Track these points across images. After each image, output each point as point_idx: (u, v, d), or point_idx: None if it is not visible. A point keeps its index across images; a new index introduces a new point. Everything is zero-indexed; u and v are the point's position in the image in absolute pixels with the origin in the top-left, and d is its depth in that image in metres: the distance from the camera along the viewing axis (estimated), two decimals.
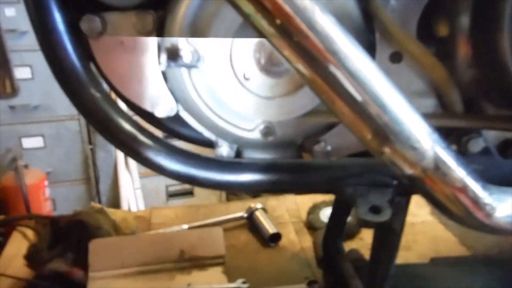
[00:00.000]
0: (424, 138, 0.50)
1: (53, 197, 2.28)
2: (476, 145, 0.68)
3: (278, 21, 0.45)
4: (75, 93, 0.64)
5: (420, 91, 0.69)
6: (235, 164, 0.68)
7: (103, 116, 0.64)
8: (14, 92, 0.77)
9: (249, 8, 0.45)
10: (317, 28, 0.46)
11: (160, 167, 0.67)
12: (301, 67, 0.48)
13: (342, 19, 0.58)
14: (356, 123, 0.50)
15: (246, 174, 0.68)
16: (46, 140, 2.32)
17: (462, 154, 0.68)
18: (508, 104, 0.65)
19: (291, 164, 0.68)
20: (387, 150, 0.50)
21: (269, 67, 0.58)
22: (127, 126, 0.65)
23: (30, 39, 2.05)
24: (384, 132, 0.49)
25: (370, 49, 0.65)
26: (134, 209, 2.23)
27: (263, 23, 0.46)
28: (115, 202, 2.39)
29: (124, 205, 2.29)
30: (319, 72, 0.48)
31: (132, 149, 0.66)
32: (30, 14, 0.60)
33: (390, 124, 0.49)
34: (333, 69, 0.47)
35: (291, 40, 0.46)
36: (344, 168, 0.69)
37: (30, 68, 2.13)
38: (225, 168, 0.68)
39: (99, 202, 2.47)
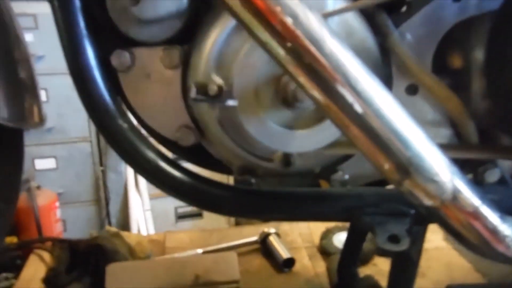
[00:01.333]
0: (443, 170, 0.51)
1: (64, 218, 2.30)
2: (492, 175, 0.69)
3: (289, 44, 0.46)
4: (103, 123, 0.67)
5: (436, 122, 0.71)
6: (254, 192, 0.70)
7: (129, 145, 0.67)
8: (41, 121, 0.79)
9: (265, 36, 0.47)
10: (330, 55, 0.48)
11: (182, 194, 0.69)
12: (316, 94, 0.49)
13: (361, 54, 0.60)
14: (374, 154, 0.51)
15: (264, 202, 0.70)
16: (58, 162, 2.36)
17: (478, 184, 0.70)
18: None
19: (309, 193, 0.70)
20: (406, 182, 0.52)
21: (292, 102, 0.60)
22: (151, 154, 0.67)
23: (47, 63, 2.12)
24: (404, 164, 0.50)
25: (387, 81, 0.68)
26: (143, 230, 2.24)
27: (278, 50, 0.47)
28: (125, 224, 2.40)
29: (134, 226, 2.29)
30: (333, 99, 0.49)
31: (155, 177, 0.68)
32: (65, 50, 0.63)
33: (410, 157, 0.50)
34: (348, 98, 0.48)
35: (304, 65, 0.47)
36: (362, 197, 0.70)
37: (46, 91, 2.19)
38: (244, 196, 0.70)
39: (109, 223, 2.48)
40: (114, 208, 2.50)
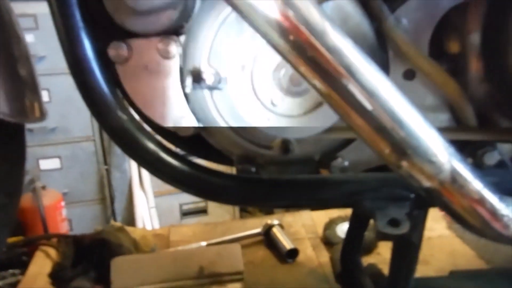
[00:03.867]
0: (440, 151, 0.52)
1: (69, 217, 2.31)
2: (491, 158, 0.69)
3: (291, 37, 0.47)
4: (103, 115, 0.67)
5: (434, 106, 0.71)
6: (255, 181, 0.70)
7: (129, 136, 0.67)
8: (42, 116, 0.80)
9: (265, 27, 0.48)
10: (330, 44, 0.48)
11: (183, 184, 0.70)
12: (317, 83, 0.49)
13: (357, 39, 0.60)
14: (373, 138, 0.52)
15: (266, 190, 0.70)
16: (63, 162, 2.37)
17: (478, 167, 0.70)
18: None
19: (310, 180, 0.70)
20: (404, 164, 0.52)
21: (289, 87, 0.61)
22: (151, 146, 0.68)
23: (48, 64, 2.13)
24: (402, 146, 0.51)
25: (384, 67, 0.68)
26: (149, 227, 2.25)
27: (279, 41, 0.48)
28: (130, 221, 2.42)
29: (139, 224, 2.31)
30: (334, 88, 0.49)
31: (157, 168, 0.69)
32: (62, 43, 0.64)
33: (407, 139, 0.50)
34: (348, 84, 0.49)
35: (306, 56, 0.48)
36: (362, 182, 0.71)
37: (48, 92, 2.20)
38: (245, 184, 0.71)
39: (114, 221, 2.49)
40: (119, 206, 2.52)
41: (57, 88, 2.20)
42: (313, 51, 0.48)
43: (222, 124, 0.67)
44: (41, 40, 2.11)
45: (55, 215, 2.15)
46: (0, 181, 0.75)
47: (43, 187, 2.14)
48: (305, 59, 0.48)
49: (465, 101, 0.68)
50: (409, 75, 0.69)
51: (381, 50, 0.67)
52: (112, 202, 2.48)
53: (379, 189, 0.69)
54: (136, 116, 0.71)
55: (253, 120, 0.63)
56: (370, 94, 0.50)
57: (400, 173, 0.53)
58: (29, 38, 2.20)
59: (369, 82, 0.50)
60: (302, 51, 0.48)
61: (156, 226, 2.33)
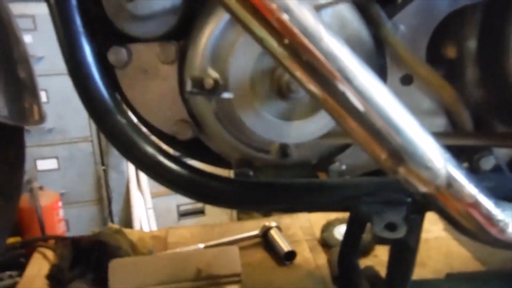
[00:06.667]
0: (436, 157, 0.52)
1: (66, 218, 2.31)
2: (487, 163, 0.70)
3: (286, 41, 0.47)
4: (101, 119, 0.68)
5: (431, 111, 0.72)
6: (253, 184, 0.71)
7: (128, 140, 0.68)
8: (41, 119, 0.80)
9: (261, 32, 0.48)
10: (325, 49, 0.48)
11: (182, 188, 0.70)
12: (312, 88, 0.49)
13: (355, 45, 0.61)
14: (370, 144, 0.52)
15: (264, 194, 0.71)
16: (60, 162, 2.37)
17: (474, 171, 0.71)
18: None
19: (307, 184, 0.71)
20: (401, 169, 0.53)
21: (287, 93, 0.61)
22: (150, 149, 0.68)
23: (46, 65, 2.13)
24: (398, 152, 0.51)
25: (382, 72, 0.68)
26: (146, 228, 2.25)
27: (275, 45, 0.48)
28: (128, 222, 2.42)
29: (137, 224, 2.31)
30: (330, 93, 0.50)
31: (155, 172, 0.69)
32: (62, 47, 0.64)
33: (403, 145, 0.51)
34: (343, 89, 0.49)
35: (301, 61, 0.48)
36: (359, 186, 0.71)
37: (46, 92, 2.20)
38: (243, 188, 0.71)
39: (112, 222, 2.49)
40: (117, 207, 2.52)
41: (55, 88, 2.19)
42: (308, 56, 0.48)
43: (220, 128, 0.67)
44: (39, 40, 2.11)
45: (52, 215, 2.15)
46: None
47: (41, 188, 2.14)
48: (300, 64, 0.48)
49: (462, 106, 0.69)
50: (407, 80, 0.70)
51: (379, 55, 0.68)
52: (109, 203, 2.48)
53: (376, 193, 0.70)
54: (135, 119, 0.71)
55: (251, 124, 0.64)
56: (366, 99, 0.50)
57: (397, 178, 0.54)
58: (27, 38, 2.20)
59: (364, 87, 0.50)
60: (297, 55, 0.48)
61: (154, 227, 2.33)
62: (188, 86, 0.61)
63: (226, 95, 0.61)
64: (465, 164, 0.71)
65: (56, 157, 2.35)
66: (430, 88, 0.69)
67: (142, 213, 2.38)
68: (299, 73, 0.49)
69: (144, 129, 0.71)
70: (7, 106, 0.73)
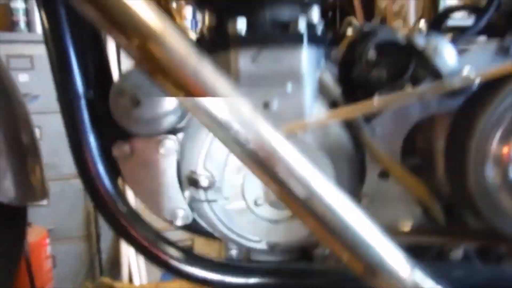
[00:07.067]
0: (402, 266, 0.57)
1: (54, 254, 2.31)
2: (457, 254, 0.76)
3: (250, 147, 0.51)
4: (104, 207, 0.73)
5: (408, 202, 0.78)
6: (244, 268, 0.76)
7: (128, 227, 0.73)
8: (44, 195, 0.84)
9: (221, 135, 0.53)
10: (295, 172, 0.52)
11: (178, 271, 0.75)
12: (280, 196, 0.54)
13: (337, 147, 0.68)
14: (345, 256, 0.56)
15: (254, 277, 0.76)
16: (51, 198, 2.37)
17: (443, 260, 0.77)
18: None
19: (293, 269, 0.76)
20: (374, 281, 0.57)
21: (273, 198, 0.67)
22: (150, 236, 0.73)
23: (41, 103, 2.18)
24: (371, 266, 0.56)
25: (362, 168, 0.75)
26: (134, 267, 2.26)
27: (238, 150, 0.52)
28: (116, 260, 2.42)
29: (125, 262, 2.31)
30: (289, 199, 0.54)
31: (153, 257, 0.74)
32: (70, 141, 0.70)
33: (372, 261, 0.56)
34: (315, 207, 0.53)
35: (265, 170, 0.52)
36: (342, 272, 0.77)
37: (39, 129, 2.24)
38: (235, 271, 0.76)
39: (99, 259, 2.49)
40: (105, 243, 2.51)
41: (48, 125, 2.24)
42: (270, 165, 0.52)
43: (214, 218, 0.73)
44: (35, 79, 2.17)
45: (39, 252, 2.14)
46: None
47: (29, 224, 2.14)
48: (265, 173, 0.52)
49: (433, 201, 0.76)
50: (384, 175, 0.77)
51: (358, 154, 0.75)
52: (98, 239, 2.48)
53: (359, 281, 0.75)
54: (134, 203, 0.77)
55: (241, 222, 0.70)
56: (335, 218, 0.54)
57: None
58: (24, 77, 2.25)
59: (333, 208, 0.54)
60: (257, 162, 0.52)
61: (142, 265, 2.33)
62: (185, 183, 0.66)
63: (219, 192, 0.67)
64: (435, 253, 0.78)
65: None
66: (403, 186, 0.76)
67: (130, 252, 2.38)
68: (263, 180, 0.54)
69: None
70: (14, 186, 0.77)
